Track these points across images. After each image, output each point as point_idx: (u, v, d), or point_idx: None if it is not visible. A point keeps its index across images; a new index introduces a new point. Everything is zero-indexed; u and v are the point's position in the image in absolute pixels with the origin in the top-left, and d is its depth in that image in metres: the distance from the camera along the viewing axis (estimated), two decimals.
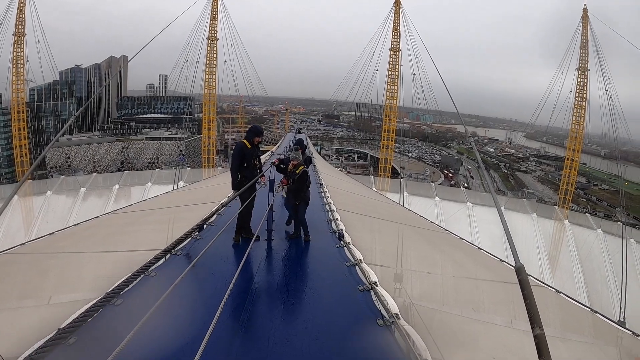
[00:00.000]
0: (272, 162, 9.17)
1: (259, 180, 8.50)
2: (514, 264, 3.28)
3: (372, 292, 5.54)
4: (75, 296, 5.37)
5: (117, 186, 30.60)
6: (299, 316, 5.08)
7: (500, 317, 6.18)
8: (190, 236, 7.39)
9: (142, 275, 5.51)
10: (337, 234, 8.61)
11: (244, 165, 8.23)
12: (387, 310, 4.89)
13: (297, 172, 8.56)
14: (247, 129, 8.57)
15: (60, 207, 28.07)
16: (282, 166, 9.18)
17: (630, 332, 6.66)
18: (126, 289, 5.06)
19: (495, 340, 5.38)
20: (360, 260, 6.74)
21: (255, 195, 8.04)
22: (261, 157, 8.89)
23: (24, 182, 28.41)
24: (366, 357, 4.26)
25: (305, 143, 13.01)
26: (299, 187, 8.50)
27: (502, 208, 29.38)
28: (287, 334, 4.49)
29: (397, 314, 4.71)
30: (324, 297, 5.76)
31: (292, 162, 8.79)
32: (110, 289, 4.96)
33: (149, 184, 31.10)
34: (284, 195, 9.19)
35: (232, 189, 8.46)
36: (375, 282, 5.73)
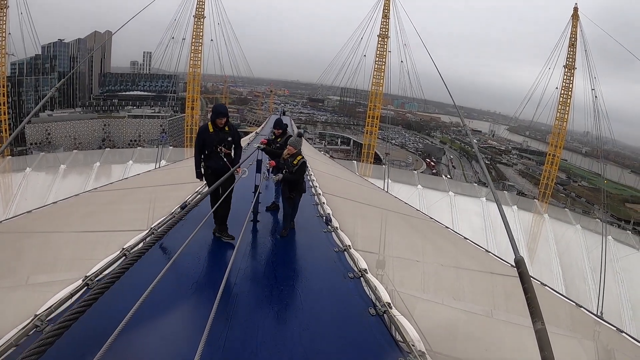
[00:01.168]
0: (257, 146, 8.39)
1: (236, 170, 6.89)
2: (513, 257, 3.13)
3: (362, 279, 5.43)
4: (53, 277, 5.18)
5: (97, 164, 29.91)
6: (288, 304, 4.90)
7: (489, 308, 6.13)
8: (174, 217, 7.19)
9: (124, 258, 5.35)
10: (324, 218, 8.45)
11: (206, 153, 6.93)
12: (379, 298, 4.78)
13: (294, 162, 7.51)
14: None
15: (40, 185, 27.37)
16: (270, 148, 8.59)
17: (611, 326, 6.66)
18: (106, 272, 4.90)
19: (485, 331, 5.32)
20: (349, 246, 6.64)
21: (232, 188, 6.71)
22: (242, 140, 7.84)
23: None
24: (358, 347, 4.14)
25: (289, 125, 12.52)
26: (296, 178, 7.54)
27: (484, 199, 29.68)
28: (276, 323, 4.35)
29: (389, 303, 4.61)
30: (313, 284, 5.61)
31: (289, 147, 7.65)
32: (90, 272, 4.81)
33: (131, 162, 30.44)
34: (274, 180, 7.69)
35: (197, 177, 7.15)
36: (365, 270, 5.62)
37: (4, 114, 67.59)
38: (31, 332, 3.69)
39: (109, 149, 43.80)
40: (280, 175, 7.50)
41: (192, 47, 67.59)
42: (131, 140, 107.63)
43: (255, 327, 4.21)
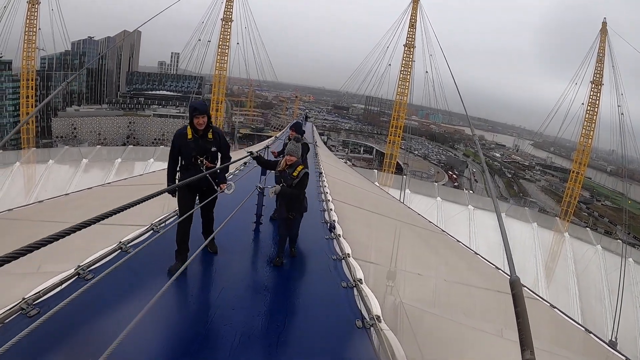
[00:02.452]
0: (249, 152, 6.91)
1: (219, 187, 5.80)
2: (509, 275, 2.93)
3: (355, 289, 5.27)
4: (47, 265, 5.17)
5: (119, 160, 30.40)
6: (273, 312, 4.71)
7: (490, 326, 5.93)
8: (176, 215, 7.20)
9: (119, 251, 5.43)
10: (328, 224, 8.30)
11: (182, 164, 5.66)
12: (369, 310, 4.62)
13: (294, 174, 6.21)
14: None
15: (61, 177, 27.99)
16: (267, 160, 7.08)
17: (622, 357, 6.39)
18: (99, 263, 4.98)
19: (482, 349, 5.13)
20: (348, 254, 6.46)
21: (209, 202, 5.69)
22: (230, 153, 6.04)
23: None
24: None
25: (304, 128, 12.11)
26: (295, 193, 6.24)
27: (503, 214, 29.16)
28: (255, 331, 4.22)
29: (379, 316, 4.44)
30: (303, 291, 5.50)
31: (287, 157, 6.32)
32: (83, 263, 4.86)
33: (152, 160, 30.82)
34: (271, 193, 6.28)
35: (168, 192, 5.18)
36: (360, 280, 5.45)
37: (32, 107, 69.15)
38: (17, 314, 3.82)
39: (131, 146, 44.40)
40: (278, 187, 6.16)
41: (219, 50, 68.36)
42: (155, 139, 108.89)
43: (234, 330, 4.10)
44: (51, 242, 1.93)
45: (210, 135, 5.64)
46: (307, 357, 3.94)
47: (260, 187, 7.49)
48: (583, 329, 7.01)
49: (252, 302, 4.88)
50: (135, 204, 2.70)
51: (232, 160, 5.99)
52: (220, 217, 5.78)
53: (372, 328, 4.32)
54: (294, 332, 4.28)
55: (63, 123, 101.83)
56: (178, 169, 5.70)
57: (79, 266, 4.75)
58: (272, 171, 6.77)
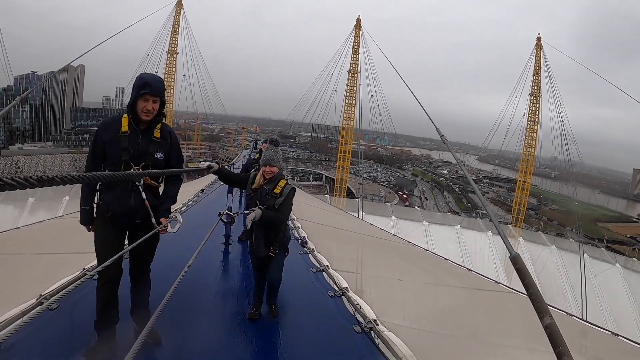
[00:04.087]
0: (208, 164, 4.45)
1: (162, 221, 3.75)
2: (509, 254, 2.86)
3: (343, 297, 5.13)
4: (6, 296, 4.75)
5: (67, 197, 29.13)
6: (266, 327, 4.48)
7: (477, 324, 5.88)
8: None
9: (83, 277, 4.98)
10: (299, 240, 8.09)
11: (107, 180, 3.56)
12: (364, 316, 4.50)
13: (275, 191, 4.48)
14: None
15: (7, 217, 26.53)
16: (234, 173, 5.22)
17: (607, 331, 6.46)
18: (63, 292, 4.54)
19: (475, 348, 5.06)
20: (327, 266, 6.35)
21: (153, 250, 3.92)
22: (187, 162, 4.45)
23: None
24: None
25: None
26: (279, 219, 4.44)
27: (458, 226, 29.87)
28: (259, 343, 4.05)
29: (375, 320, 4.33)
30: (293, 303, 5.20)
31: (265, 168, 4.49)
32: (46, 292, 4.50)
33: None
34: (248, 221, 4.31)
35: (81, 223, 3.77)
36: (346, 288, 5.34)
37: None
38: None
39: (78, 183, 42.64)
40: (259, 212, 4.27)
41: (165, 83, 67.55)
42: None
43: (235, 349, 3.87)
44: None
45: (156, 133, 3.69)
46: None
47: (226, 215, 4.86)
48: (565, 313, 7.07)
49: (240, 317, 4.63)
50: None
51: (180, 170, 4.00)
52: (164, 265, 4.18)
53: (371, 331, 4.19)
54: (296, 346, 4.07)
55: (6, 162, 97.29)
56: (98, 187, 3.72)
57: (41, 295, 4.36)
58: (241, 190, 5.95)
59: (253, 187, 4.58)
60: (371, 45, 66.03)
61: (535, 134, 60.08)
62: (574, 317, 7.02)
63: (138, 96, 3.51)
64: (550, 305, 7.42)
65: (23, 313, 4.03)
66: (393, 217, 31.59)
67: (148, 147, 3.63)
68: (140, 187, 3.60)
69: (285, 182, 4.57)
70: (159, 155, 3.69)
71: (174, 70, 67.49)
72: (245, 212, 4.43)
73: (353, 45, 66.81)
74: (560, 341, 1.78)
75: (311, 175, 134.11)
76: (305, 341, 4.27)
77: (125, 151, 3.55)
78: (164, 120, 3.85)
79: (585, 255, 25.84)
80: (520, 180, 62.27)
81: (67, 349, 3.60)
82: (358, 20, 65.98)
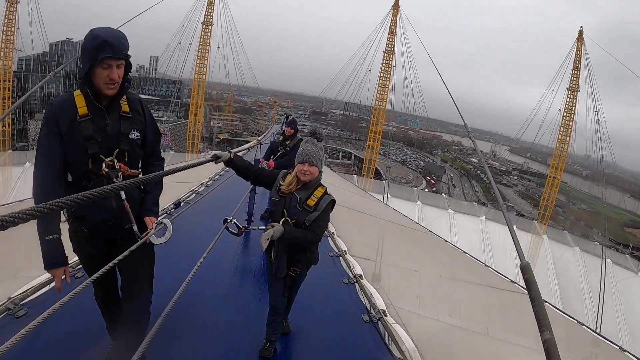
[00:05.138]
0: (213, 154, 3.42)
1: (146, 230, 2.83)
2: (516, 271, 2.87)
3: (357, 285, 5.21)
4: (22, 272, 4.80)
5: None
6: None
7: (488, 322, 5.90)
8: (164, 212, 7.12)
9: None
10: None
11: (70, 181, 2.69)
12: (373, 305, 4.57)
13: (309, 202, 3.36)
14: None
15: None
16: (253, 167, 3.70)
17: (615, 346, 6.43)
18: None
19: (484, 346, 5.09)
20: (345, 251, 6.42)
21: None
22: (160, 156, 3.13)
23: None
24: (350, 354, 3.91)
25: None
26: (308, 239, 3.37)
27: (483, 217, 29.56)
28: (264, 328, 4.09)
29: (384, 310, 4.39)
30: (305, 287, 5.30)
31: (301, 166, 3.36)
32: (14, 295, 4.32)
33: None
34: (263, 244, 3.28)
35: (47, 268, 2.61)
36: (361, 275, 5.41)
37: (8, 109, 67.55)
38: None
39: None
40: (279, 229, 3.22)
41: (199, 54, 67.76)
42: None
43: (240, 331, 3.98)
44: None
45: (124, 107, 2.75)
46: (320, 353, 3.85)
47: (232, 224, 3.52)
48: (575, 321, 7.03)
49: (253, 297, 4.75)
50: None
51: (177, 167, 2.87)
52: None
53: (379, 322, 4.26)
54: (301, 329, 4.17)
55: (40, 126, 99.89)
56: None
57: (9, 298, 3.80)
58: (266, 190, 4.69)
59: (281, 190, 3.40)
60: (408, 28, 64.97)
61: (569, 130, 58.35)
62: (584, 327, 6.94)
63: (96, 63, 2.49)
64: (562, 312, 7.43)
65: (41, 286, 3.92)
66: (419, 203, 31.50)
67: (119, 127, 2.71)
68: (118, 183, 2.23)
69: (323, 190, 3.42)
70: (134, 135, 2.79)
71: (208, 41, 67.47)
72: (261, 227, 3.31)
73: (390, 26, 65.79)
74: (555, 358, 1.82)
75: (340, 154, 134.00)
76: (312, 326, 4.32)
77: (92, 141, 2.59)
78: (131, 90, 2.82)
79: (608, 260, 25.20)
80: (550, 176, 60.75)
81: None
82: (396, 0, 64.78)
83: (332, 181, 18.45)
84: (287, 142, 7.46)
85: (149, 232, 2.70)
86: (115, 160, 2.67)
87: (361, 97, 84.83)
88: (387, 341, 4.00)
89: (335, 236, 7.26)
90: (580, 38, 58.34)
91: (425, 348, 3.97)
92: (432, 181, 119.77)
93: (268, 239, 3.15)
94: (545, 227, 39.19)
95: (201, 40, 67.31)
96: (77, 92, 2.64)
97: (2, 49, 64.03)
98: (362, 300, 4.85)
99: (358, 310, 4.60)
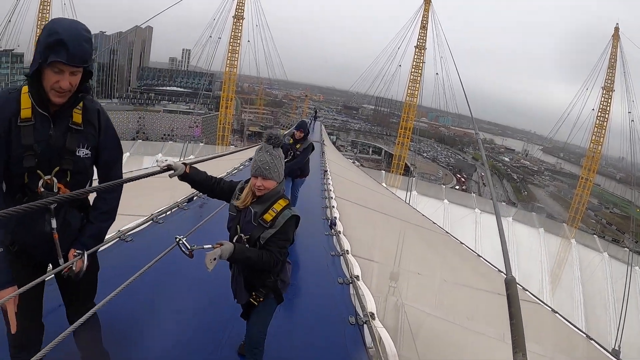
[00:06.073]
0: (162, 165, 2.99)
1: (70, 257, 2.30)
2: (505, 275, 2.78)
3: (351, 285, 5.17)
4: None
5: (127, 154, 30.57)
6: None
7: (490, 329, 5.80)
8: (178, 207, 7.30)
9: (117, 240, 5.25)
10: (329, 221, 8.16)
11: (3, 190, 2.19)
12: (363, 307, 4.52)
13: (266, 217, 2.79)
14: None
15: None
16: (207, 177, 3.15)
17: None
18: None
19: (482, 353, 5.03)
20: (347, 251, 6.37)
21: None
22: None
23: None
24: (326, 357, 3.89)
25: (313, 126, 11.16)
26: (261, 262, 2.72)
27: (510, 219, 29.04)
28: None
29: (372, 313, 4.33)
30: (295, 285, 5.25)
31: (254, 180, 2.81)
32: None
33: (160, 154, 31.04)
34: (209, 265, 2.54)
35: None
36: (357, 276, 5.34)
37: None
38: None
39: (140, 140, 44.58)
40: (228, 249, 2.61)
41: (230, 47, 68.36)
42: (164, 134, 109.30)
43: (220, 328, 3.98)
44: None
45: (76, 117, 2.30)
46: (296, 352, 3.84)
47: (182, 244, 2.65)
48: (584, 336, 6.87)
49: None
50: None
51: (129, 178, 2.65)
52: None
53: (365, 325, 4.22)
54: (283, 326, 4.15)
55: None
56: None
57: None
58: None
59: (236, 204, 2.93)
60: (440, 23, 64.16)
61: (603, 130, 56.50)
62: (593, 342, 6.75)
63: (45, 63, 2.04)
64: (572, 324, 7.24)
65: None
66: (445, 201, 31.25)
67: (64, 141, 2.24)
68: (51, 210, 2.19)
69: (285, 203, 2.86)
70: (82, 153, 2.31)
71: (239, 35, 67.96)
72: (207, 246, 2.64)
73: (422, 20, 65.02)
74: None
75: (371, 149, 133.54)
76: (294, 325, 4.29)
77: (30, 152, 2.14)
78: (91, 98, 2.42)
79: (637, 267, 24.37)
80: (582, 178, 59.08)
81: None
82: None
83: (352, 178, 18.44)
84: (297, 146, 7.46)
85: (72, 256, 2.29)
86: (54, 179, 2.21)
87: (392, 92, 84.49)
88: (368, 344, 3.96)
89: (341, 235, 7.22)
90: (616, 35, 56.45)
91: (414, 354, 3.93)
92: (462, 179, 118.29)
93: (214, 259, 2.54)
94: (575, 230, 38.28)
95: (232, 34, 67.88)
96: (25, 90, 2.18)
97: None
98: (353, 302, 4.80)
99: (346, 312, 4.54)
